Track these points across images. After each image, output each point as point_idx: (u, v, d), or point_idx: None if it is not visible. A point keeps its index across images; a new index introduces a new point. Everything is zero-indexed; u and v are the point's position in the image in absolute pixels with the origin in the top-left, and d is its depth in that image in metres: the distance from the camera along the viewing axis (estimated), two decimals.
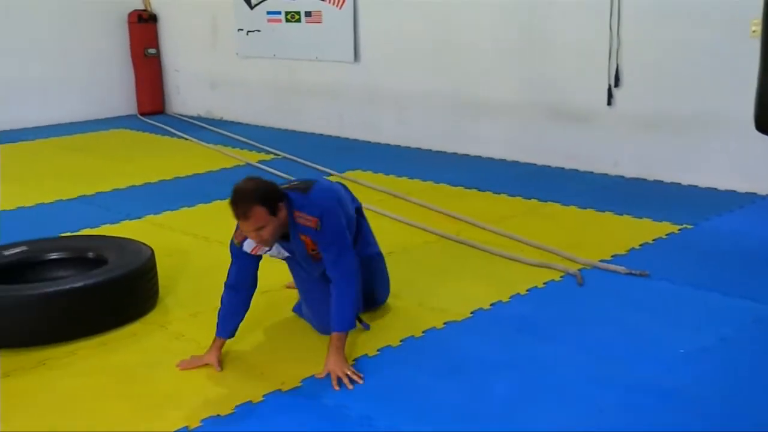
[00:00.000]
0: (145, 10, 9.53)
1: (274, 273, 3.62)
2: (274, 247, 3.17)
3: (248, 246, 3.11)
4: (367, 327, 3.41)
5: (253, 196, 2.93)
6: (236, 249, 3.15)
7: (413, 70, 7.23)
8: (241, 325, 3.27)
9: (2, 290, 3.42)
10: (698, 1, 5.40)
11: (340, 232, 3.14)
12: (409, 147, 7.29)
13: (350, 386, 2.95)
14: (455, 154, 6.96)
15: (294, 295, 3.63)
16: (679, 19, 5.51)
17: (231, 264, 3.21)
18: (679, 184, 5.68)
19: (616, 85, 5.88)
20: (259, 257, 3.20)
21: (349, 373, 3.00)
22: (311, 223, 3.06)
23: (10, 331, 3.33)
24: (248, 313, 3.28)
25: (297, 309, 3.56)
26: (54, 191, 5.96)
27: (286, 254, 3.24)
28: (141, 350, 3.35)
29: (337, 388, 2.94)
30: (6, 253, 3.81)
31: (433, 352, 3.26)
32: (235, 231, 3.14)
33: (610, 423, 2.70)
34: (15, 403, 2.94)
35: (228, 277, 3.21)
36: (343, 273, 3.12)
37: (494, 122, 6.71)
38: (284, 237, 3.13)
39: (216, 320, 3.21)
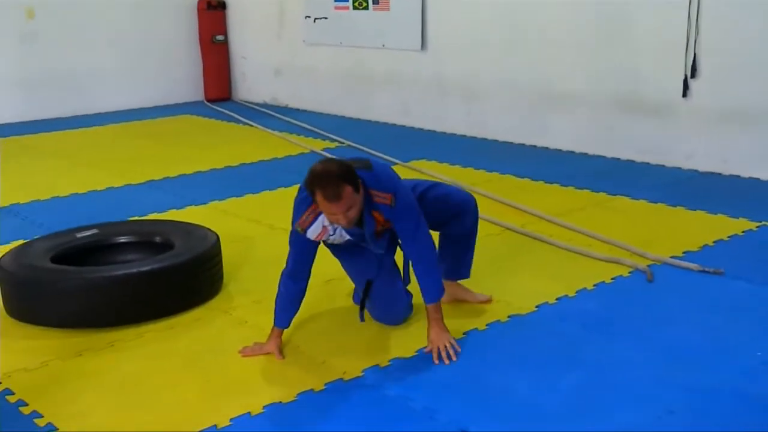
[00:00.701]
0: None
1: (336, 262, 3.63)
2: (337, 231, 3.14)
3: (313, 233, 3.08)
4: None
5: (341, 177, 2.87)
6: (299, 237, 3.11)
7: (481, 60, 7.16)
8: (302, 314, 3.29)
9: (74, 272, 3.53)
10: None
11: (414, 205, 3.12)
12: (474, 137, 7.24)
13: (447, 361, 3.05)
14: (522, 145, 6.87)
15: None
16: (764, 6, 5.31)
17: (291, 253, 3.17)
18: (758, 179, 5.49)
19: (693, 76, 5.70)
20: (317, 245, 3.18)
21: (448, 345, 3.09)
22: (386, 200, 3.03)
23: (81, 313, 3.43)
24: (310, 302, 3.30)
25: (356, 299, 3.57)
26: (123, 175, 6.12)
27: (347, 237, 3.20)
28: (206, 335, 3.41)
29: (437, 361, 3.05)
30: (79, 235, 3.93)
31: (497, 345, 3.23)
32: (298, 218, 3.07)
33: (680, 425, 2.63)
34: (86, 382, 3.03)
35: (287, 265, 3.18)
36: (423, 244, 3.13)
37: (563, 113, 6.60)
38: None
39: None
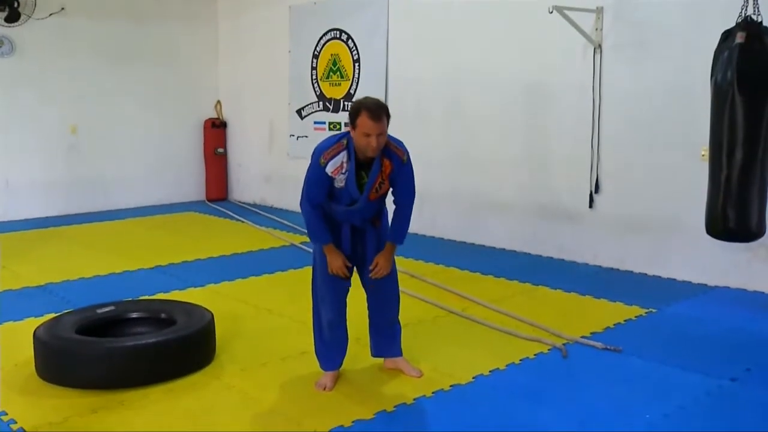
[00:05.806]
0: (217, 118, 9.91)
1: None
2: (342, 174, 3.14)
3: (332, 166, 3.12)
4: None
5: (384, 106, 3.10)
6: (320, 169, 3.14)
7: (432, 174, 7.35)
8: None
9: (95, 343, 3.54)
10: (662, 132, 5.52)
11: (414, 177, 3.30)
12: (424, 235, 7.35)
13: (377, 276, 3.29)
14: (464, 242, 7.01)
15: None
16: (646, 142, 5.63)
17: (308, 183, 3.22)
18: (645, 274, 5.68)
19: (596, 191, 5.98)
20: (330, 183, 3.18)
21: (385, 271, 3.32)
22: (402, 154, 3.19)
23: (98, 376, 3.43)
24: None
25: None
26: (137, 261, 6.10)
27: (342, 185, 3.17)
28: (201, 397, 3.40)
29: (373, 275, 3.33)
30: (99, 311, 3.93)
31: (442, 412, 3.26)
32: (323, 153, 3.14)
33: None
34: None
35: (305, 194, 3.23)
36: (411, 202, 3.32)
37: (499, 218, 6.77)
38: (360, 167, 3.15)
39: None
